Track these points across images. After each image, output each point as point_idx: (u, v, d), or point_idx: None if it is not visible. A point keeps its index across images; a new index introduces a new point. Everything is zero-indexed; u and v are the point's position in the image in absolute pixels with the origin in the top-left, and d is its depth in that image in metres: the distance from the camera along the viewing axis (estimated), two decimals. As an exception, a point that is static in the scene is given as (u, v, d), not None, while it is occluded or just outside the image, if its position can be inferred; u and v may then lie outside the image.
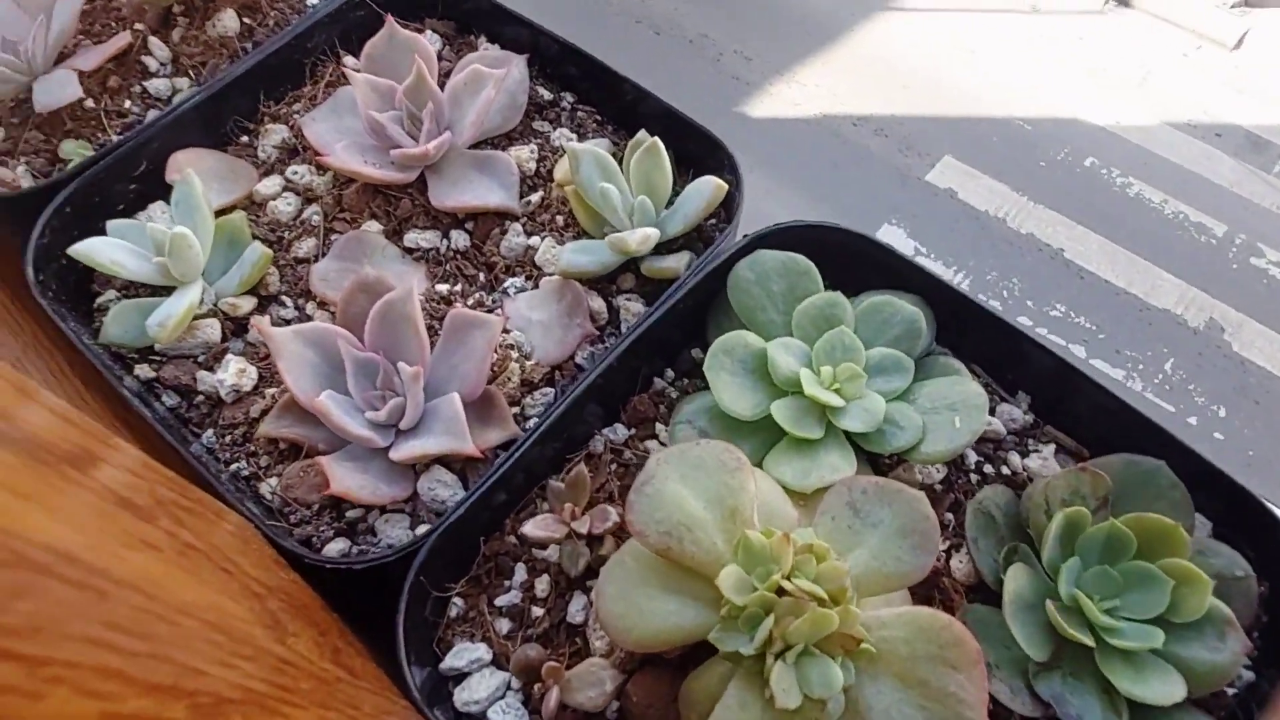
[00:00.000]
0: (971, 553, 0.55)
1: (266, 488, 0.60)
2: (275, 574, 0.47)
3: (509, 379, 0.62)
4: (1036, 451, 0.60)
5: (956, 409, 0.56)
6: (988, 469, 0.59)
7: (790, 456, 0.56)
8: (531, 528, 0.54)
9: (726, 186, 0.64)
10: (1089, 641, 0.49)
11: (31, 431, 0.28)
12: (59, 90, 0.75)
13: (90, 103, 0.78)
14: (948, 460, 0.58)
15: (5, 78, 0.75)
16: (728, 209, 0.67)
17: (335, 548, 0.57)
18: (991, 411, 0.61)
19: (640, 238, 0.61)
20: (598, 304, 0.66)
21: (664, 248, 0.67)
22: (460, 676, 0.54)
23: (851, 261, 0.65)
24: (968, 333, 0.63)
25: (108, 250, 0.63)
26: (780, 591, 0.44)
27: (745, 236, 0.64)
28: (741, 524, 0.47)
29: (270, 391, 0.64)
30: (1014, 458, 0.60)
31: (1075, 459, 0.60)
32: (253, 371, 0.64)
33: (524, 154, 0.73)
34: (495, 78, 0.69)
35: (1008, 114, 3.44)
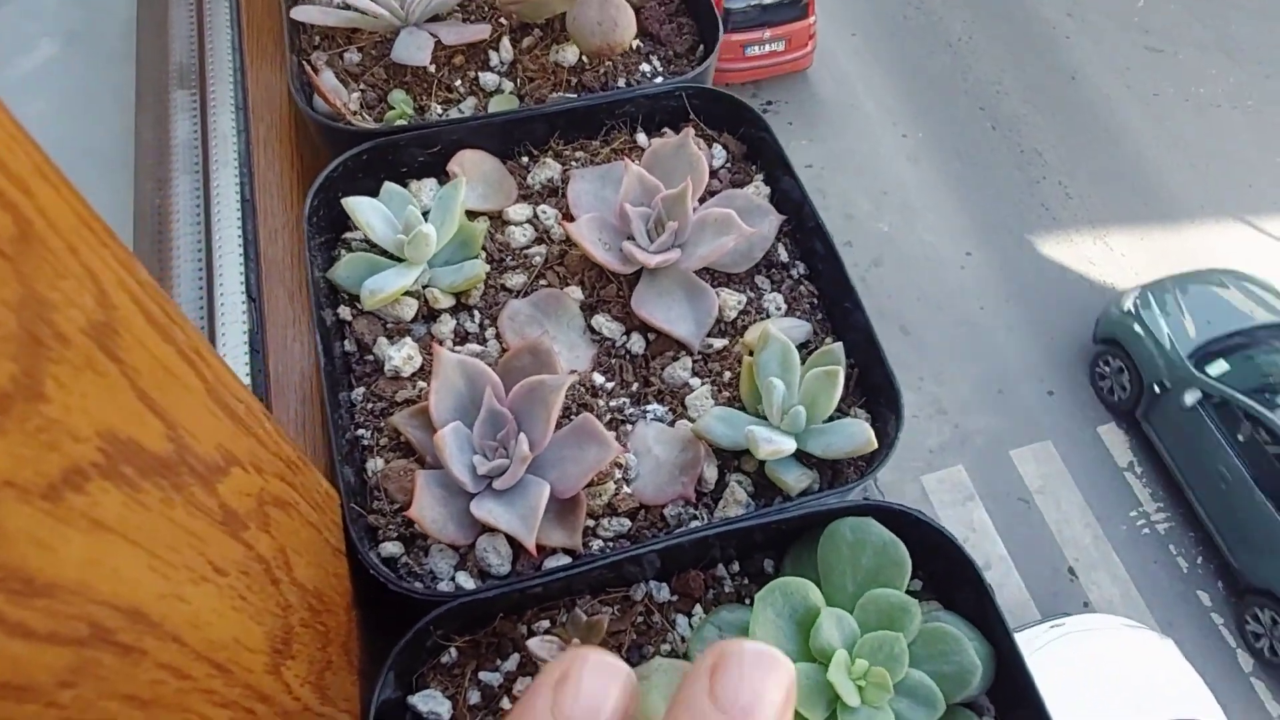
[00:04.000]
0: None
1: (372, 465, 0.68)
2: (324, 567, 0.54)
3: (600, 494, 0.67)
4: None
5: (954, 782, 0.54)
6: (958, 846, 0.58)
7: (781, 723, 0.57)
8: (536, 644, 0.58)
9: (875, 445, 0.65)
10: None
11: (192, 448, 0.35)
12: (415, 51, 0.86)
13: (432, 68, 0.89)
14: (917, 821, 0.57)
15: (385, 20, 0.88)
16: (869, 461, 0.68)
17: (390, 549, 0.64)
18: (994, 797, 0.59)
19: (771, 450, 0.63)
20: (711, 472, 0.69)
21: (798, 454, 0.69)
22: (415, 718, 0.60)
23: (954, 576, 0.64)
24: (1018, 713, 0.61)
25: (369, 212, 0.73)
26: None
27: (865, 499, 0.64)
28: (691, 771, 0.49)
29: (422, 385, 0.72)
30: None
31: None
32: (418, 361, 0.73)
33: (732, 300, 0.76)
34: (741, 232, 0.73)
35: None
